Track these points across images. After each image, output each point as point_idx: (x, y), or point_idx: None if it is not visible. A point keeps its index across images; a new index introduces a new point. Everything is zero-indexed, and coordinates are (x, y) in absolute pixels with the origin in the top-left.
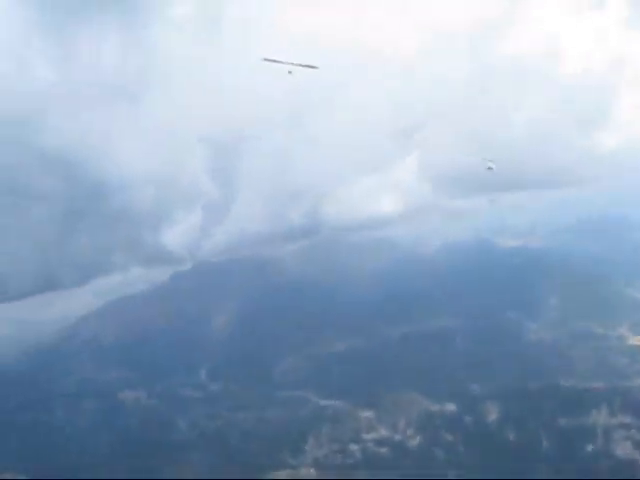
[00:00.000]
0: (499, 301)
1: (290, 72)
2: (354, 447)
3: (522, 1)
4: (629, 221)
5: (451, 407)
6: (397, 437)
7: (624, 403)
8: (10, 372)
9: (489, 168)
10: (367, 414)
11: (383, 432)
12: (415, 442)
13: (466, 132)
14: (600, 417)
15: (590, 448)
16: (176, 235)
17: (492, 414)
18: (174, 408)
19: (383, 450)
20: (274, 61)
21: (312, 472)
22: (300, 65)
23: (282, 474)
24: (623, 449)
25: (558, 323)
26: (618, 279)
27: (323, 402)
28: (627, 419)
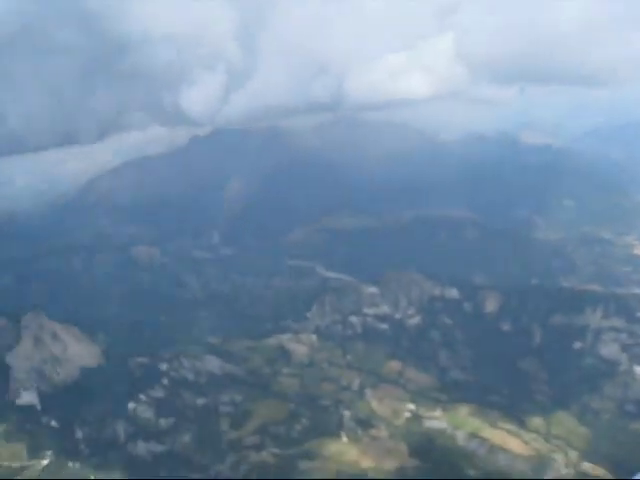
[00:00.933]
0: (514, 197)
1: None
2: (355, 320)
3: None
4: None
5: (453, 293)
6: (397, 315)
7: (618, 307)
8: (29, 222)
9: None
10: (370, 290)
11: (384, 308)
12: (414, 321)
13: (507, 18)
14: (593, 318)
15: (578, 346)
16: (196, 97)
17: (491, 304)
18: (186, 267)
19: (383, 326)
20: None
21: (313, 338)
22: None
23: (284, 338)
24: (609, 350)
25: (568, 225)
26: (636, 189)
27: (329, 274)
28: (618, 323)
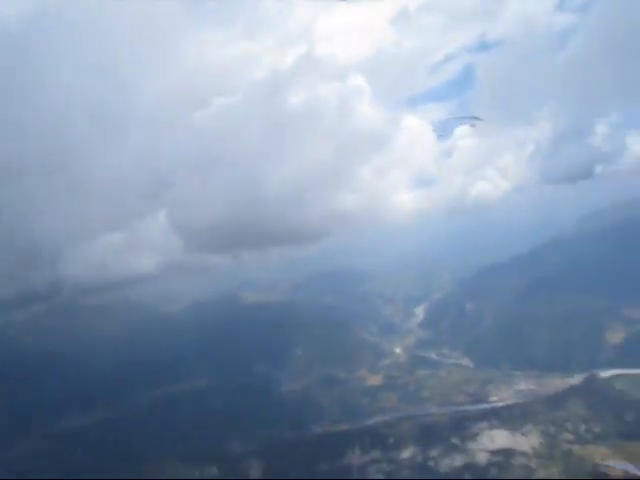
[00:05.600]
0: (248, 356)
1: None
2: None
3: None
4: (357, 273)
5: (212, 470)
6: None
7: (372, 440)
8: None
9: (472, 125)
10: None
11: None
12: None
13: (217, 189)
14: (354, 457)
15: None
16: None
17: (254, 470)
18: None
19: None
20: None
21: None
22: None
23: None
24: None
25: (305, 371)
26: (354, 326)
27: None
28: (376, 454)
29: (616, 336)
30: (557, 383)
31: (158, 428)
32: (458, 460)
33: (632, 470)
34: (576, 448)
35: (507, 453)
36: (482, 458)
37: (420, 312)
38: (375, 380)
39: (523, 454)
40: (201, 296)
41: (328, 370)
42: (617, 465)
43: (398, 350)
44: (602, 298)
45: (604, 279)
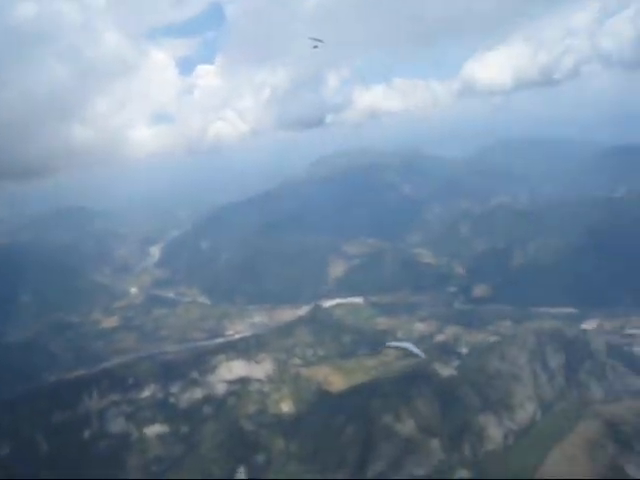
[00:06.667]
0: None
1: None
2: None
3: None
4: (90, 212)
5: None
6: None
7: (113, 383)
8: None
9: (315, 47)
10: None
11: None
12: None
13: None
14: (92, 402)
15: (87, 434)
16: None
17: None
18: None
19: None
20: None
21: None
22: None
23: None
24: (117, 425)
25: (33, 319)
26: (86, 267)
27: None
28: (115, 397)
29: (337, 270)
30: (287, 314)
31: None
32: (198, 393)
33: (410, 347)
34: (303, 370)
35: (244, 381)
36: (221, 388)
37: (156, 251)
38: (110, 322)
39: (258, 380)
40: None
41: (59, 316)
42: (397, 344)
43: (134, 290)
44: (327, 236)
45: (329, 219)
